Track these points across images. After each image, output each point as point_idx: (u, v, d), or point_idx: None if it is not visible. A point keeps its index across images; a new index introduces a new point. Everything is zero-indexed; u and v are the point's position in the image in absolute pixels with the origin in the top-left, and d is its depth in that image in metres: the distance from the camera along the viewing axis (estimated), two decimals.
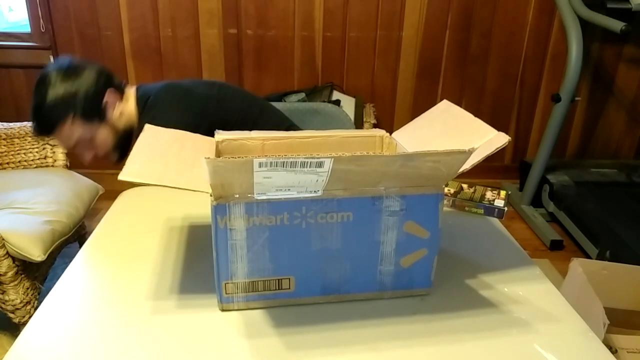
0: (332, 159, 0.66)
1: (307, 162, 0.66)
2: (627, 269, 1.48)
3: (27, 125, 2.04)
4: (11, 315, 1.57)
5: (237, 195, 0.71)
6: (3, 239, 1.47)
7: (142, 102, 1.34)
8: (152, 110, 1.30)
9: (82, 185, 1.93)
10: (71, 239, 1.79)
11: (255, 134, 1.02)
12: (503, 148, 0.80)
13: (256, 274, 0.77)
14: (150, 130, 0.95)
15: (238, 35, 2.68)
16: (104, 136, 1.32)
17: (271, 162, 0.65)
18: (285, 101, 2.46)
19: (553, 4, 2.49)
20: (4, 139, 2.00)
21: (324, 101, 2.47)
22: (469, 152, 0.71)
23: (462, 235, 1.04)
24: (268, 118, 1.45)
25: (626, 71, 2.83)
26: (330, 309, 0.80)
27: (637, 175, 2.68)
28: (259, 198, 0.72)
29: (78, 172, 2.02)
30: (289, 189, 0.71)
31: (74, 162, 2.09)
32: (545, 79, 2.83)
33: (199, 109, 1.31)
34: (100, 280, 0.88)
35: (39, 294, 1.64)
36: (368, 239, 0.78)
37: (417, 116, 1.04)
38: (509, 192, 1.11)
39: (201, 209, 1.08)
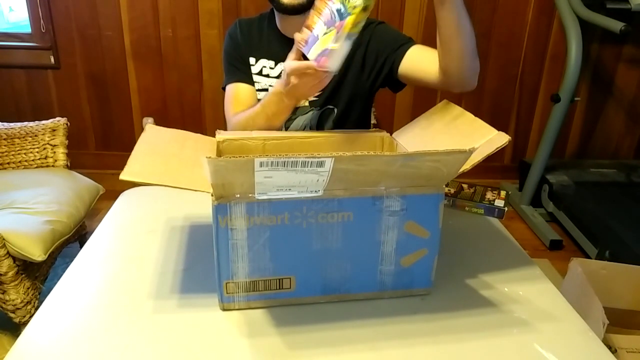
0: (333, 159, 0.66)
1: (308, 161, 0.66)
2: (627, 268, 1.48)
3: (28, 125, 2.04)
4: (12, 315, 1.57)
5: (238, 195, 0.71)
6: (4, 239, 1.47)
7: None
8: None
9: (82, 185, 1.93)
10: (72, 239, 1.79)
11: (256, 134, 1.03)
12: (503, 148, 0.80)
13: (257, 273, 0.77)
14: (151, 130, 0.96)
15: None
16: None
17: (272, 162, 0.65)
18: None
19: (552, 5, 2.49)
20: (4, 139, 2.00)
21: None
22: (469, 152, 0.71)
23: (462, 235, 1.05)
24: None
25: (625, 71, 2.83)
26: (331, 309, 0.81)
27: (637, 175, 2.68)
28: (259, 198, 0.72)
29: (78, 172, 2.02)
30: (289, 189, 0.71)
31: (75, 162, 2.09)
32: (545, 79, 2.83)
33: None
34: (101, 280, 0.89)
35: (39, 293, 1.65)
36: (368, 238, 0.78)
37: (417, 116, 1.05)
38: (509, 192, 1.11)
39: (202, 208, 1.08)
